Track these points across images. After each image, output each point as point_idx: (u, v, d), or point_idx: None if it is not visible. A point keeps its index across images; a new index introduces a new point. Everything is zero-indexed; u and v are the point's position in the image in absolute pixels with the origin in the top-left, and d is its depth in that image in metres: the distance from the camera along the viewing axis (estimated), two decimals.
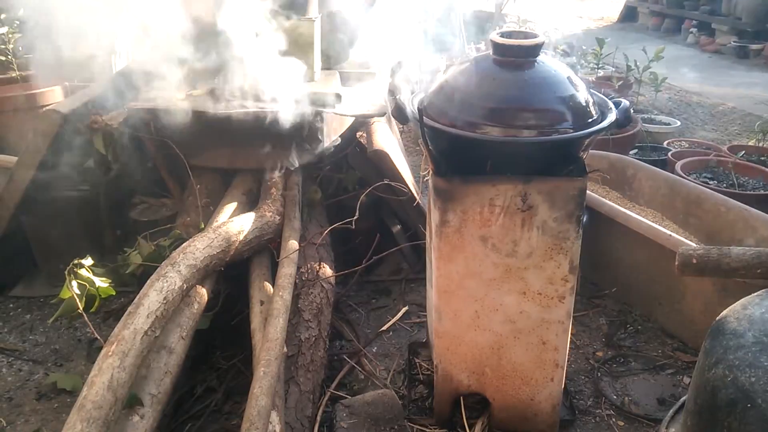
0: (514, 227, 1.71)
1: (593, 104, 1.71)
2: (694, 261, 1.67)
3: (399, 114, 1.80)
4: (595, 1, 12.35)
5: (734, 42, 8.03)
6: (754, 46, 7.81)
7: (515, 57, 1.69)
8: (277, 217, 2.40)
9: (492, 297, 1.80)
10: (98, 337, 1.83)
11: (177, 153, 2.46)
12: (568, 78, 1.70)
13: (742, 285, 1.97)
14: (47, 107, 2.68)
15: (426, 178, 1.82)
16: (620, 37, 8.34)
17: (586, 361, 2.44)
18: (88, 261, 1.99)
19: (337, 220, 2.50)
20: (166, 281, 1.76)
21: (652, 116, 4.95)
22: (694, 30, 8.85)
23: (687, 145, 4.29)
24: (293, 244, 2.28)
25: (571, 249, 1.72)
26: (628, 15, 10.54)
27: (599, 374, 2.36)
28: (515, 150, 1.65)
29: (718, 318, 1.34)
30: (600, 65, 5.69)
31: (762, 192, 3.35)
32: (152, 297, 1.69)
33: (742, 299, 1.35)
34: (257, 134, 2.45)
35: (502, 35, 1.71)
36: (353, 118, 2.83)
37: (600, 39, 5.35)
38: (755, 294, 1.36)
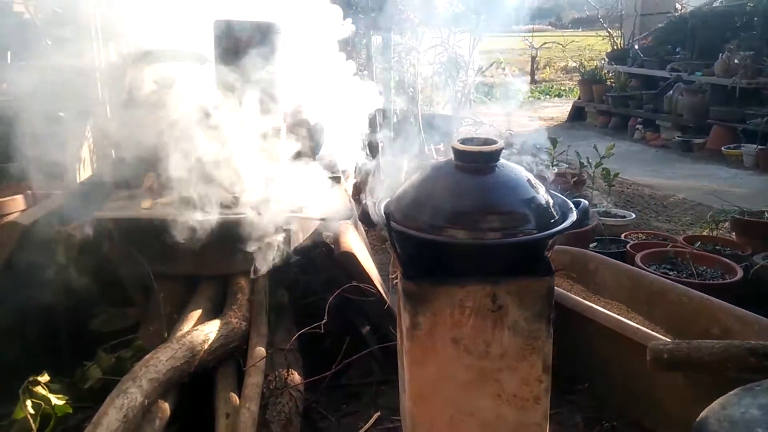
0: (486, 328, 1.70)
1: (554, 205, 1.76)
2: (665, 356, 1.68)
3: (365, 219, 1.83)
4: (545, 104, 13.04)
5: (678, 137, 8.49)
6: (697, 140, 8.27)
7: (476, 162, 1.75)
8: (244, 324, 2.35)
9: (467, 401, 1.76)
10: None
11: (141, 262, 2.43)
12: (528, 181, 1.76)
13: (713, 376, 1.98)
14: (8, 217, 2.64)
15: (395, 281, 1.82)
16: (571, 136, 8.73)
17: None
18: (44, 377, 1.90)
19: (305, 322, 2.45)
20: (127, 398, 1.69)
21: (608, 210, 5.11)
22: (640, 126, 9.34)
23: (644, 237, 4.41)
24: (260, 351, 2.22)
25: (543, 348, 1.72)
26: (577, 115, 11.09)
27: None
28: (482, 252, 1.67)
29: (698, 419, 1.33)
30: (555, 163, 5.93)
31: (720, 281, 3.43)
32: (111, 416, 1.62)
33: (720, 399, 1.35)
34: (222, 240, 2.44)
35: (463, 142, 1.78)
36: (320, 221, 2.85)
37: (552, 138, 5.59)
38: (732, 393, 1.36)
